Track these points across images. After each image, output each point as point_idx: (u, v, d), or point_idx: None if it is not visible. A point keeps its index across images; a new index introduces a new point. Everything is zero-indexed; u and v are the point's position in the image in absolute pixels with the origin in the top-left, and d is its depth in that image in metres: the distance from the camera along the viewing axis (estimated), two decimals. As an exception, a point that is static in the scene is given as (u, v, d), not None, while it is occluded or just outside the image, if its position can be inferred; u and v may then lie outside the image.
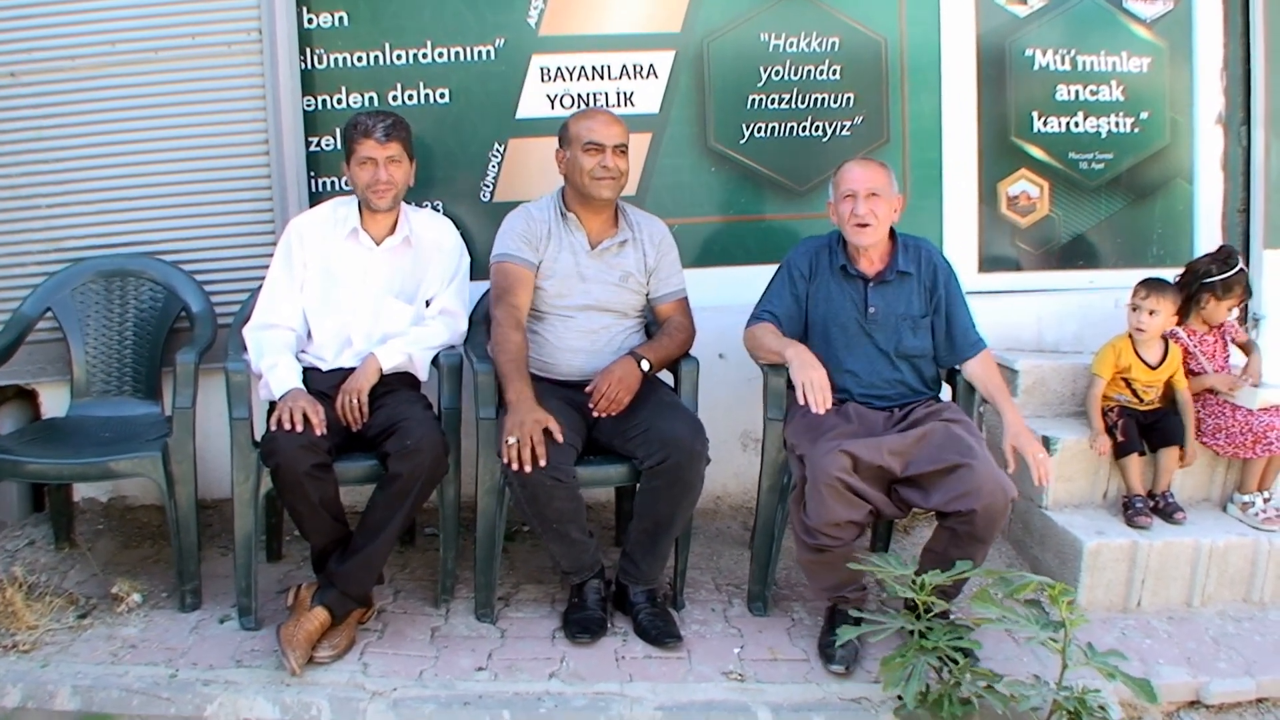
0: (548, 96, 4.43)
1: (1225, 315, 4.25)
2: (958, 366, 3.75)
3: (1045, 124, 4.72)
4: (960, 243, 4.66)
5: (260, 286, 3.74)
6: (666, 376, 3.80)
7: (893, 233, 3.72)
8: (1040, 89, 4.72)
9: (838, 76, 4.55)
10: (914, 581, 3.06)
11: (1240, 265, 4.16)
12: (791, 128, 4.53)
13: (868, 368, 3.66)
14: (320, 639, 3.32)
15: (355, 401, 3.46)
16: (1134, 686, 2.89)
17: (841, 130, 4.55)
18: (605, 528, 4.32)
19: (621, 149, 3.65)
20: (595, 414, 3.53)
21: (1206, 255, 4.25)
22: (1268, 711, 3.57)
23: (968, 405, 3.71)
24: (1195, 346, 4.23)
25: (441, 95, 4.38)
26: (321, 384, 3.55)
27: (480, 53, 4.38)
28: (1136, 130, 4.80)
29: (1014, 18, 4.68)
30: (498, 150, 4.41)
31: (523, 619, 3.68)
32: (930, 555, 3.39)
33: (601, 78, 4.46)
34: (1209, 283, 4.16)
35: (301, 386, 3.46)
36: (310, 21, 4.30)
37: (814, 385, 3.41)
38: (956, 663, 3.02)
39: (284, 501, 3.44)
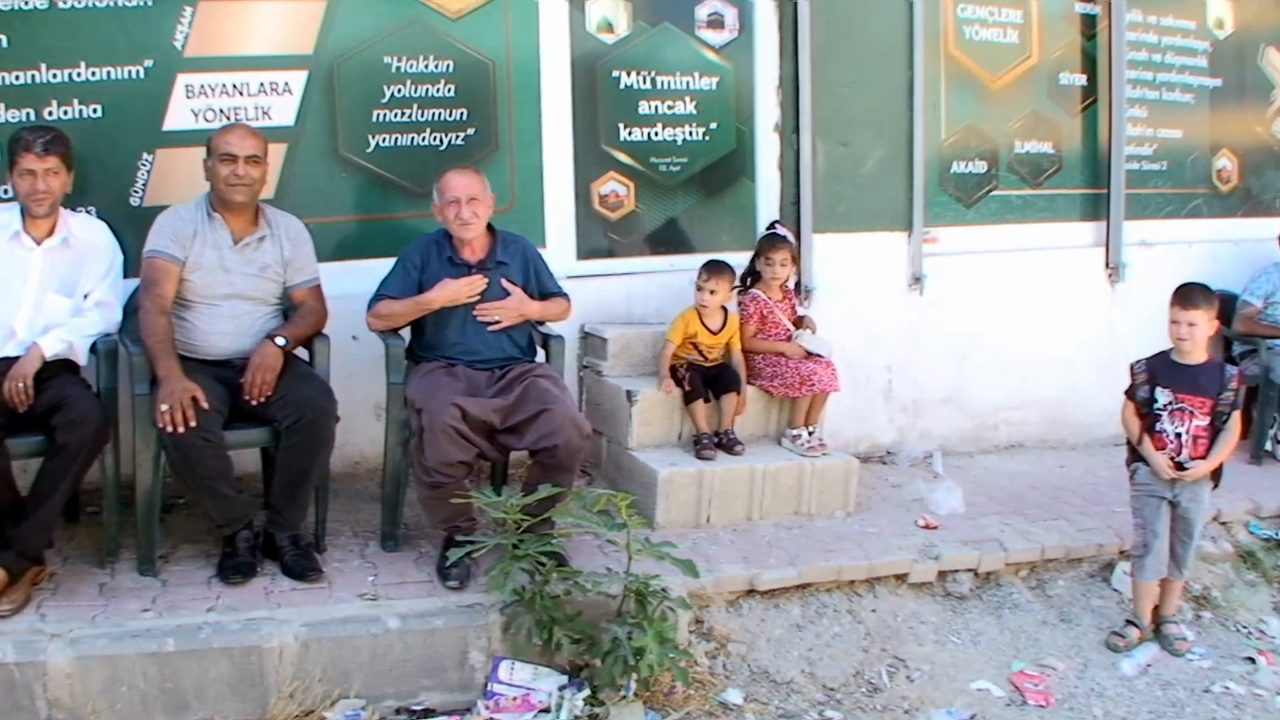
0: (192, 111, 4.86)
1: (780, 273, 5.25)
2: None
3: (630, 133, 5.61)
4: (560, 235, 5.49)
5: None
6: (304, 354, 4.41)
7: (491, 228, 4.49)
8: (626, 104, 5.59)
9: (453, 93, 5.24)
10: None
11: (776, 230, 5.25)
12: (412, 138, 5.19)
13: (474, 339, 4.45)
14: (0, 596, 3.73)
15: (21, 386, 3.85)
16: (680, 565, 3.77)
17: (456, 140, 5.26)
18: (256, 495, 4.83)
19: (254, 159, 4.21)
20: (250, 400, 4.07)
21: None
22: (810, 594, 4.56)
23: (558, 364, 4.53)
24: (773, 308, 5.23)
25: (94, 110, 4.71)
26: (-11, 372, 3.94)
27: (130, 72, 4.75)
28: (707, 138, 5.77)
29: (603, 44, 5.54)
30: (147, 160, 4.81)
31: (182, 571, 4.19)
32: (527, 487, 4.15)
33: (241, 94, 4.93)
34: (760, 248, 5.23)
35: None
36: (-30, 44, 4.60)
37: (462, 288, 4.34)
38: (544, 566, 3.79)
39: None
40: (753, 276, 5.32)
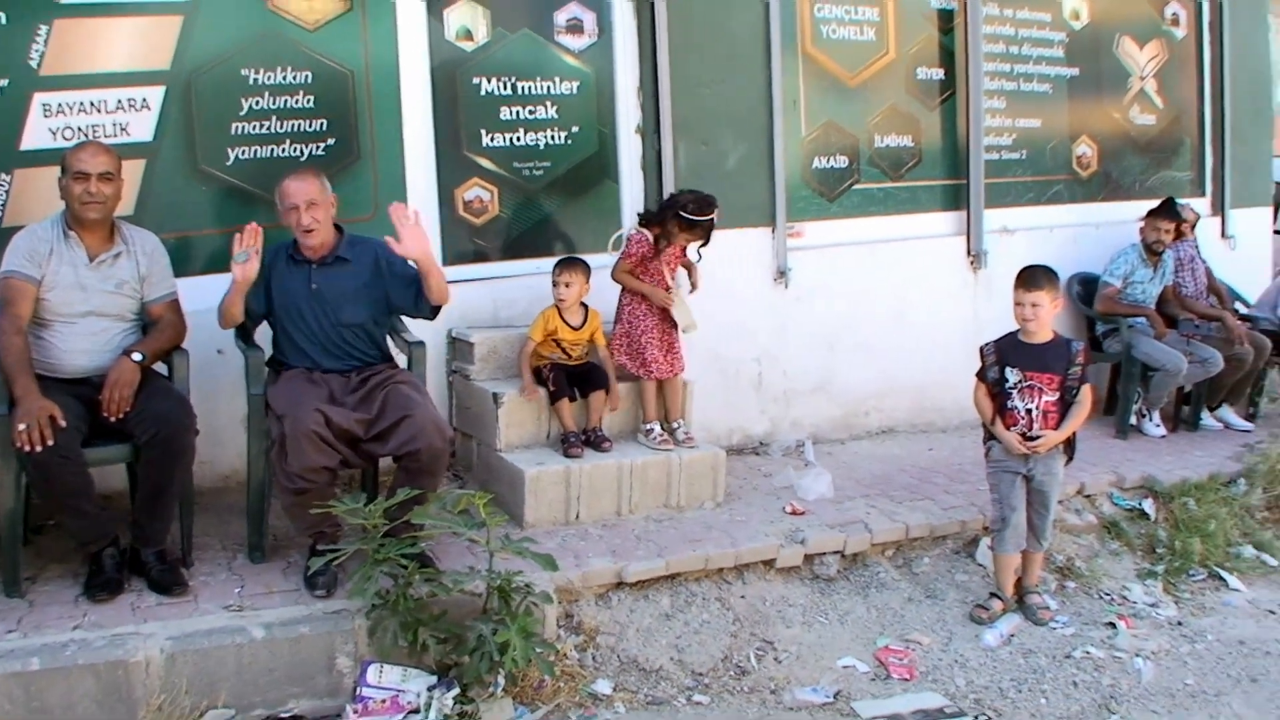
0: (50, 130, 4.81)
1: (684, 245, 5.26)
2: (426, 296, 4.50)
3: (492, 139, 5.67)
4: (425, 241, 5.51)
5: None
6: (164, 368, 4.39)
7: (340, 227, 4.53)
8: (487, 110, 5.66)
9: (312, 104, 5.26)
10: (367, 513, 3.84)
11: (713, 217, 5.20)
12: (272, 150, 5.19)
13: (320, 337, 4.47)
14: None
15: None
16: (539, 560, 3.84)
17: (317, 150, 5.27)
18: (124, 511, 4.76)
19: (107, 176, 4.18)
20: (109, 417, 4.06)
21: (690, 192, 5.25)
22: (679, 584, 4.66)
23: (420, 369, 4.56)
24: (659, 258, 5.25)
25: (-52, 132, 4.66)
26: None
27: (-16, 92, 4.70)
28: (569, 142, 5.86)
29: (462, 52, 5.60)
30: (4, 180, 4.75)
31: (50, 591, 4.14)
32: (391, 492, 4.17)
33: (99, 111, 4.89)
34: (685, 216, 5.13)
35: None
36: None
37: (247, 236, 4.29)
38: (407, 569, 3.84)
39: None
40: (661, 230, 5.23)
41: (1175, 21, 8.09)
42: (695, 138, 6.04)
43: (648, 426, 5.27)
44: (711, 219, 5.20)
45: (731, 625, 4.57)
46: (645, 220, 5.34)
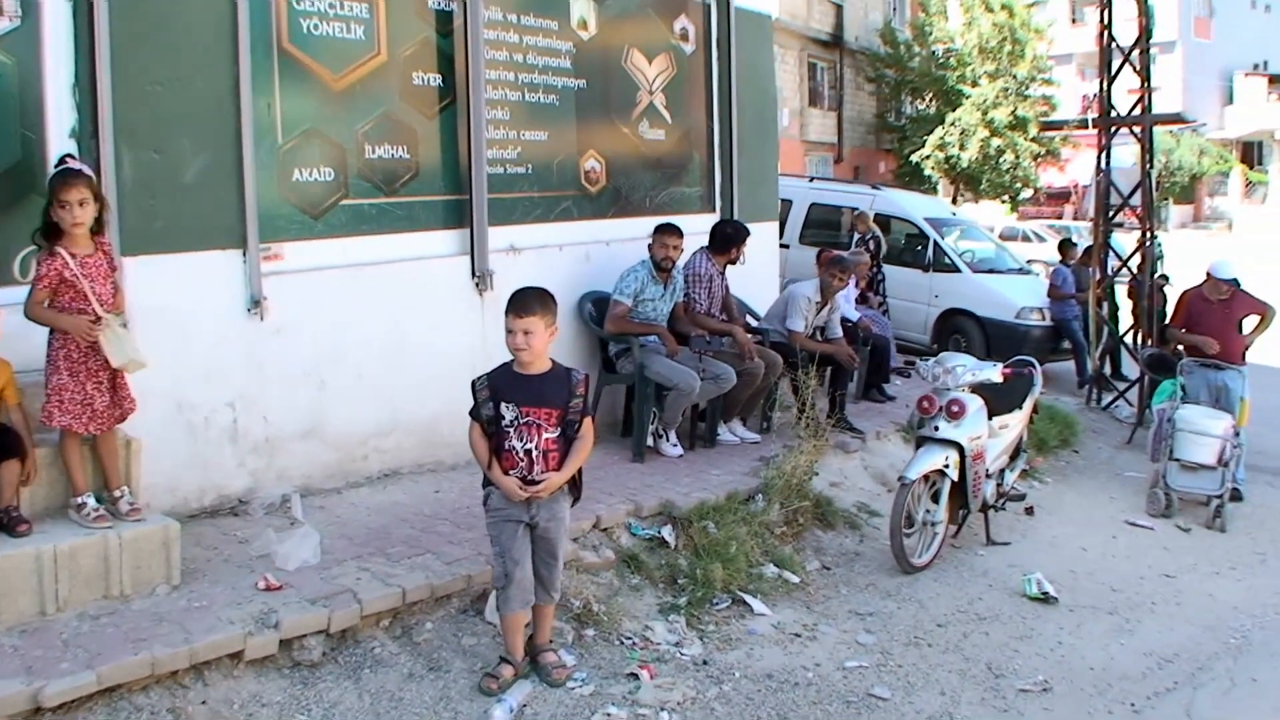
0: None
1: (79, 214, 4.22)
2: None
3: None
4: None
5: None
6: None
7: None
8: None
9: None
10: None
11: (68, 165, 4.27)
12: None
13: None
14: None
15: None
16: None
17: None
18: None
19: None
20: None
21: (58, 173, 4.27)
22: (120, 699, 3.73)
23: None
24: (76, 273, 4.21)
25: None
26: None
27: None
28: (-15, 148, 4.73)
29: None
30: None
31: None
32: None
33: None
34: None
35: None
36: None
37: None
38: None
39: None
40: (50, 228, 4.23)
41: (684, 36, 8.03)
42: (144, 145, 5.07)
43: (78, 500, 4.27)
44: (79, 167, 4.27)
45: (186, 742, 3.72)
46: (45, 232, 4.29)
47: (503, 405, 4.16)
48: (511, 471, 4.15)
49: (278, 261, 5.50)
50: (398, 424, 5.98)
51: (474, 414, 4.24)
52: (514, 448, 4.15)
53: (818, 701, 4.50)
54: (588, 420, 4.28)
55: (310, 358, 5.59)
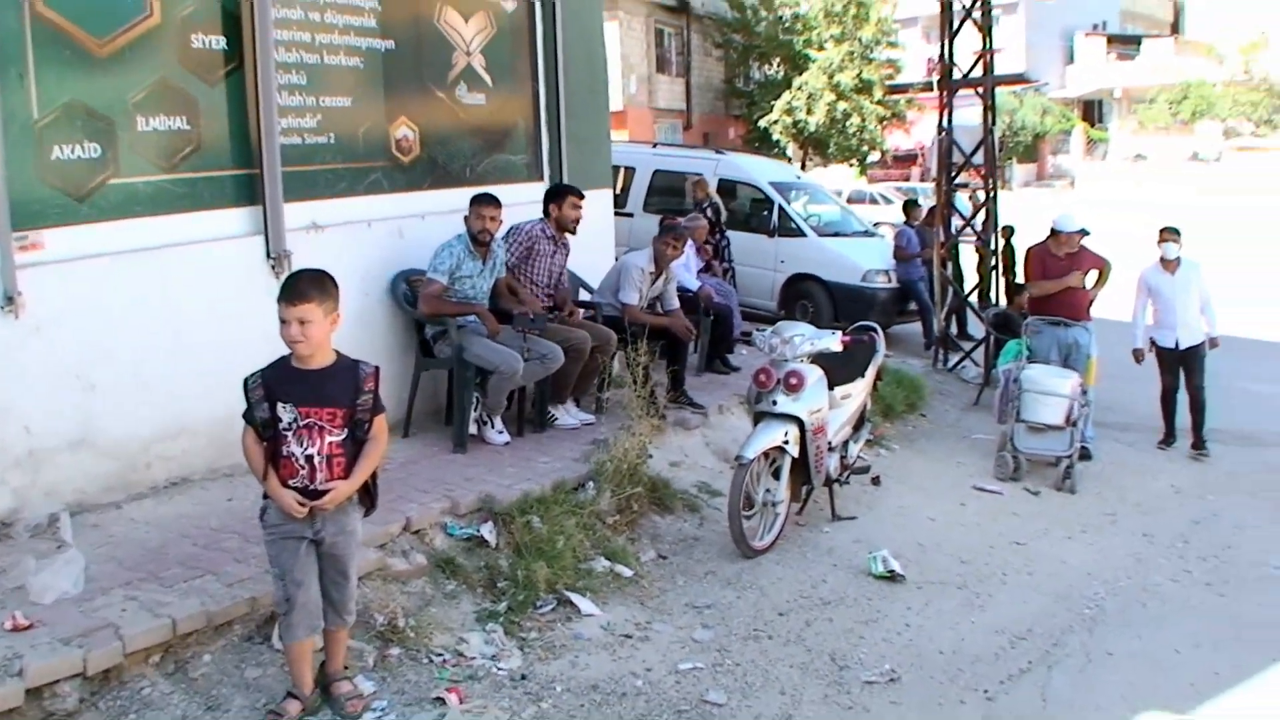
0: None
1: None
2: None
3: None
4: None
5: None
6: None
7: None
8: None
9: None
10: None
11: None
12: None
13: None
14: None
15: None
16: None
17: None
18: None
19: None
20: None
21: None
22: None
23: None
24: None
25: None
26: None
27: None
28: None
29: None
30: None
31: None
32: None
33: None
34: None
35: None
36: None
37: None
38: None
39: None
40: None
41: (504, -9, 7.50)
42: None
43: None
44: None
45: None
46: None
47: (279, 406, 3.67)
48: (291, 481, 3.67)
49: (36, 251, 4.85)
50: (184, 426, 5.39)
51: (247, 417, 3.74)
52: (293, 454, 3.67)
53: (646, 714, 4.13)
54: (379, 419, 3.82)
55: (78, 357, 4.96)
